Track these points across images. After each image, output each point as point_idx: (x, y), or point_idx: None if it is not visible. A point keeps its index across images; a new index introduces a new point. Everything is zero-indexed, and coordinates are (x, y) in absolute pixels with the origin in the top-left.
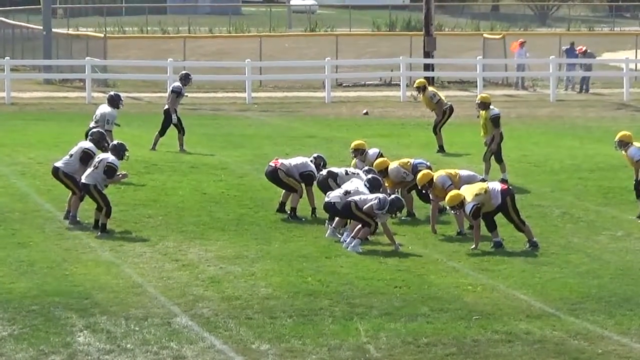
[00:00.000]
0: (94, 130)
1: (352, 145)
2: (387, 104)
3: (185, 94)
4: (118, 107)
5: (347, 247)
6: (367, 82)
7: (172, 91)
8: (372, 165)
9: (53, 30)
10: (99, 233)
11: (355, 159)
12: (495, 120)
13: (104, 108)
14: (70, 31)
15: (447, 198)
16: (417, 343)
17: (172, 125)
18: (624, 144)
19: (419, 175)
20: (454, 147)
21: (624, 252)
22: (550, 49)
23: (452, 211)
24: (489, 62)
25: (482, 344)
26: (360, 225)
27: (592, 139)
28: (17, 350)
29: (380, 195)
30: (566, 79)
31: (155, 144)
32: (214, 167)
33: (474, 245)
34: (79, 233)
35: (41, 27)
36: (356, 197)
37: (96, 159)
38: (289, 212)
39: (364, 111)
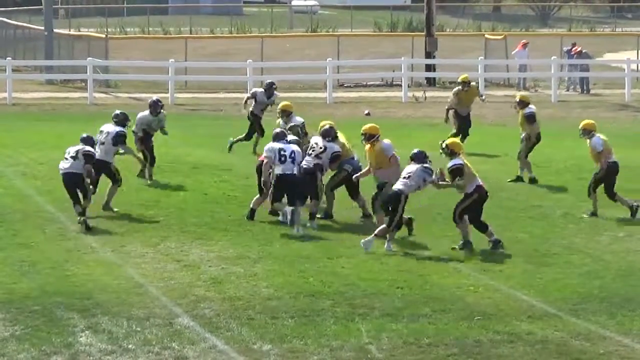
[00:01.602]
0: (118, 112)
1: (280, 106)
2: (388, 105)
3: (270, 102)
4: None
5: (387, 249)
6: (368, 83)
7: (251, 96)
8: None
9: (54, 30)
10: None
11: (280, 119)
12: (529, 118)
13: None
14: (72, 32)
15: (449, 141)
16: (419, 344)
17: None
18: (588, 132)
19: (370, 125)
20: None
21: (625, 253)
22: (551, 50)
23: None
24: (491, 63)
25: (484, 344)
26: (384, 226)
27: None
28: (19, 350)
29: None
30: (567, 79)
31: (235, 144)
32: (215, 167)
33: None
34: (81, 233)
35: (43, 28)
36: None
37: (102, 135)
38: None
39: (366, 112)
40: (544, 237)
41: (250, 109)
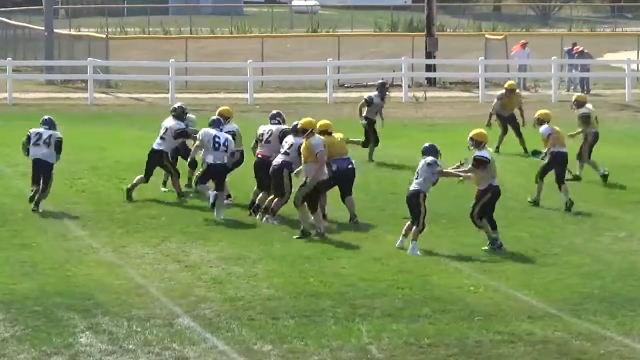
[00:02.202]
0: (176, 106)
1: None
2: (389, 105)
3: (381, 104)
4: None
5: (411, 252)
6: (369, 83)
7: (367, 102)
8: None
9: (55, 30)
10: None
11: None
12: (583, 119)
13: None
14: (72, 32)
15: (473, 132)
16: (419, 344)
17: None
18: (540, 121)
19: (305, 119)
20: (455, 145)
21: (626, 253)
22: (552, 50)
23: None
24: (491, 63)
25: (484, 344)
26: (414, 227)
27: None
28: (19, 351)
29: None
30: (568, 79)
31: (370, 154)
32: None
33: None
34: (82, 234)
35: (43, 28)
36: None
37: (162, 130)
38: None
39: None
40: (544, 237)
41: (364, 114)
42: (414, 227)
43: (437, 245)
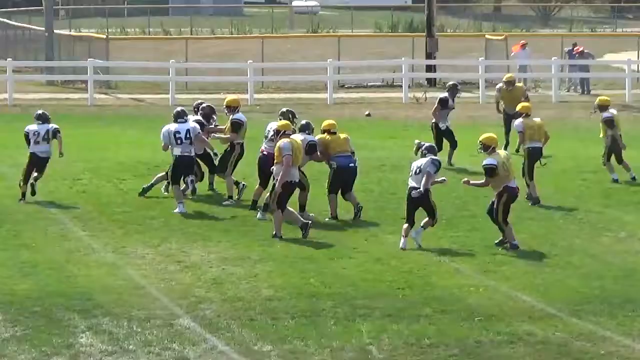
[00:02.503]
0: (204, 105)
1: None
2: (389, 105)
3: (453, 106)
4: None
5: (415, 237)
6: (369, 84)
7: (439, 100)
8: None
9: (55, 31)
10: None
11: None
12: (606, 123)
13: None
14: (72, 32)
15: (482, 136)
16: (420, 344)
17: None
18: (601, 107)
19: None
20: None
21: (626, 254)
22: (552, 50)
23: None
24: (491, 64)
25: (484, 345)
26: (428, 220)
27: (595, 140)
28: (20, 351)
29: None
30: (568, 80)
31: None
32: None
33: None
34: (82, 234)
35: (43, 29)
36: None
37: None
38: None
39: (367, 112)
40: (544, 237)
41: (436, 119)
42: (428, 220)
43: (437, 245)
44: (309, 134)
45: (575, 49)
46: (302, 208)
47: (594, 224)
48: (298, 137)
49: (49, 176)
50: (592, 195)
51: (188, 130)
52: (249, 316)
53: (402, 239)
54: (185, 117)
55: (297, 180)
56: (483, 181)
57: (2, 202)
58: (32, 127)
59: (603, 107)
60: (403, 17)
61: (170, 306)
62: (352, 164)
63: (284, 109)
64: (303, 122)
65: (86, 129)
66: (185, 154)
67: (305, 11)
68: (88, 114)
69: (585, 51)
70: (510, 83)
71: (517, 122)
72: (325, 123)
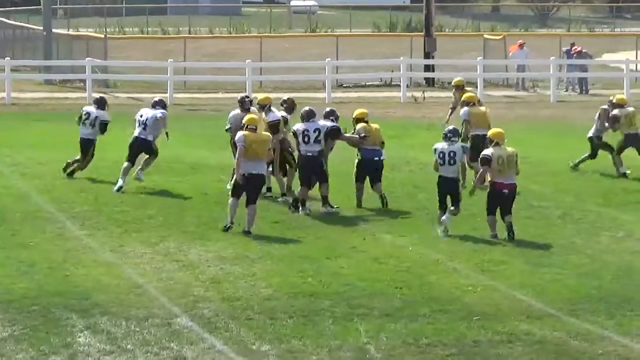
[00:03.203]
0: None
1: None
2: (387, 105)
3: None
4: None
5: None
6: (367, 83)
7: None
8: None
9: (53, 30)
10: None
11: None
12: (611, 119)
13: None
14: (71, 32)
15: (490, 132)
16: (418, 344)
17: None
18: (465, 103)
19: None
20: None
21: (624, 253)
22: (550, 50)
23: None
24: (490, 63)
25: (482, 344)
26: (454, 209)
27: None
28: (18, 350)
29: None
30: (566, 80)
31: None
32: (214, 167)
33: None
34: (80, 233)
35: (41, 28)
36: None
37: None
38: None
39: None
40: (542, 237)
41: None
42: (454, 209)
43: (435, 245)
44: (333, 120)
45: (573, 48)
46: (324, 200)
47: (592, 223)
48: (319, 123)
49: (46, 175)
50: (590, 194)
51: (147, 118)
52: (247, 315)
53: (442, 228)
54: (157, 107)
55: (257, 173)
56: (481, 171)
57: (0, 201)
58: (88, 107)
59: (616, 105)
60: (401, 17)
61: (169, 305)
62: (377, 157)
63: (286, 98)
64: (327, 109)
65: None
66: (141, 136)
67: (304, 11)
68: None
69: (583, 51)
70: (458, 87)
71: (463, 110)
72: (358, 112)
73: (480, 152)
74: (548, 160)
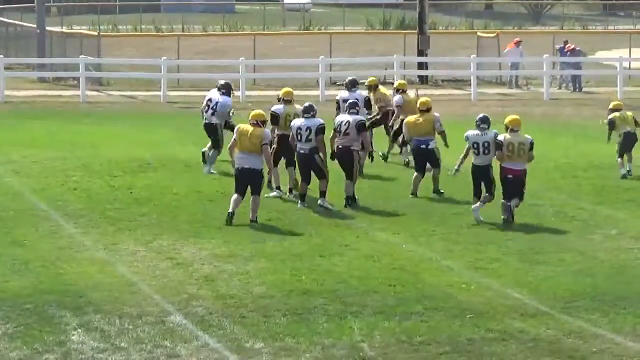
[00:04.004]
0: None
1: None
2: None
3: None
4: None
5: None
6: (361, 81)
7: None
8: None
9: (47, 28)
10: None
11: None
12: (609, 124)
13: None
14: (64, 29)
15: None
16: (411, 342)
17: None
18: (396, 90)
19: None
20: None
21: (618, 251)
22: (544, 48)
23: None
24: (483, 61)
25: (476, 342)
26: (487, 195)
27: (586, 137)
28: (11, 348)
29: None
30: (560, 77)
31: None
32: None
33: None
34: (74, 231)
35: (35, 25)
36: None
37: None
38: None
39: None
40: (536, 235)
41: None
42: (487, 195)
43: (429, 242)
44: (312, 115)
45: (567, 46)
46: (321, 194)
47: (586, 221)
48: (316, 120)
49: (40, 173)
50: (584, 192)
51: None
52: (241, 313)
53: (477, 211)
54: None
55: (248, 167)
56: (497, 153)
57: None
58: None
59: (612, 110)
60: (395, 15)
61: (162, 303)
62: (423, 146)
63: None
64: (351, 100)
65: (78, 126)
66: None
67: (297, 8)
68: (80, 111)
69: (577, 48)
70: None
71: (396, 97)
72: (422, 100)
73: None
74: (541, 158)
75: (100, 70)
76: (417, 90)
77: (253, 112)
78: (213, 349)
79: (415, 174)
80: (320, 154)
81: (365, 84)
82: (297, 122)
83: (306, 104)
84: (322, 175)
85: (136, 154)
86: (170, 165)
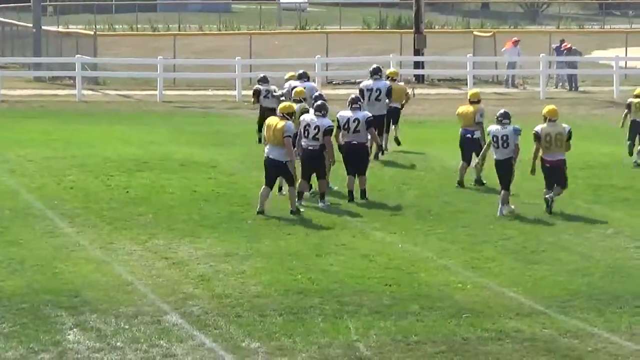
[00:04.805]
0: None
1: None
2: None
3: None
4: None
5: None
6: (357, 80)
7: None
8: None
9: (43, 27)
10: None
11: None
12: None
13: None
14: (60, 29)
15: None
16: (407, 341)
17: None
18: (387, 77)
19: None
20: (443, 142)
21: (613, 250)
22: (540, 47)
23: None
24: (479, 60)
25: (472, 342)
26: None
27: (582, 136)
28: (7, 348)
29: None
30: (556, 76)
31: None
32: (204, 165)
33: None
34: (70, 231)
35: (31, 25)
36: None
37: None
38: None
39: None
40: (532, 234)
41: None
42: (505, 192)
43: (425, 242)
44: (324, 115)
45: (563, 45)
46: (321, 196)
47: (582, 220)
48: (325, 120)
49: (36, 172)
50: (580, 191)
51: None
52: (237, 313)
53: (500, 207)
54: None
55: (272, 158)
56: (534, 147)
57: None
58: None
59: (637, 96)
60: (391, 14)
61: (158, 303)
62: (468, 135)
63: (354, 96)
64: (353, 96)
65: (74, 125)
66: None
67: (293, 8)
68: (76, 110)
69: (573, 48)
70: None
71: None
72: (472, 92)
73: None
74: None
75: (97, 70)
76: (412, 89)
77: (281, 105)
78: (209, 349)
79: (462, 163)
80: (325, 154)
81: (387, 74)
82: (307, 117)
83: (319, 102)
84: (324, 175)
85: (132, 153)
86: (166, 165)
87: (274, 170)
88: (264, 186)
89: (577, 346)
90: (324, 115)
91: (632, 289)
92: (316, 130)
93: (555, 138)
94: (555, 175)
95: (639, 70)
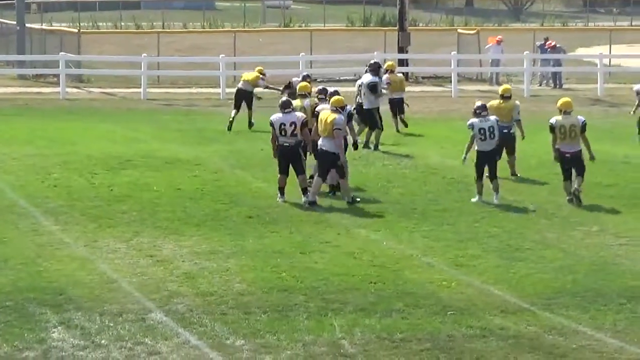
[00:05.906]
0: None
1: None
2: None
3: None
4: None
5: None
6: (341, 77)
7: None
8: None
9: (27, 25)
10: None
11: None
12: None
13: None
14: (44, 26)
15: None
16: (392, 339)
17: None
18: (386, 70)
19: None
20: (428, 140)
21: (598, 248)
22: (524, 45)
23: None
24: (464, 58)
25: (456, 339)
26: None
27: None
28: None
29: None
30: (540, 74)
31: None
32: (188, 162)
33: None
34: (54, 229)
35: (15, 22)
36: None
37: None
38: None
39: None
40: (517, 231)
41: None
42: (495, 180)
43: (409, 240)
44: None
45: (547, 43)
46: (303, 191)
47: (566, 217)
48: (295, 114)
49: (20, 170)
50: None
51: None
52: (222, 310)
53: (477, 196)
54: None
55: (323, 149)
56: (551, 139)
57: None
58: None
59: None
60: (375, 11)
61: (143, 301)
62: (505, 130)
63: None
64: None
65: (58, 123)
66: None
67: (277, 5)
68: (60, 107)
69: (557, 45)
70: (392, 72)
71: (385, 77)
72: (503, 87)
73: (395, 112)
74: (522, 155)
75: (80, 67)
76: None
77: (333, 99)
78: (194, 346)
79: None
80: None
81: (384, 67)
82: (277, 117)
83: (283, 99)
84: (302, 170)
85: (116, 151)
86: (150, 162)
87: (327, 161)
88: (316, 177)
89: (562, 343)
90: (292, 110)
91: (617, 287)
92: (293, 126)
93: (569, 129)
94: (576, 165)
95: (623, 68)
